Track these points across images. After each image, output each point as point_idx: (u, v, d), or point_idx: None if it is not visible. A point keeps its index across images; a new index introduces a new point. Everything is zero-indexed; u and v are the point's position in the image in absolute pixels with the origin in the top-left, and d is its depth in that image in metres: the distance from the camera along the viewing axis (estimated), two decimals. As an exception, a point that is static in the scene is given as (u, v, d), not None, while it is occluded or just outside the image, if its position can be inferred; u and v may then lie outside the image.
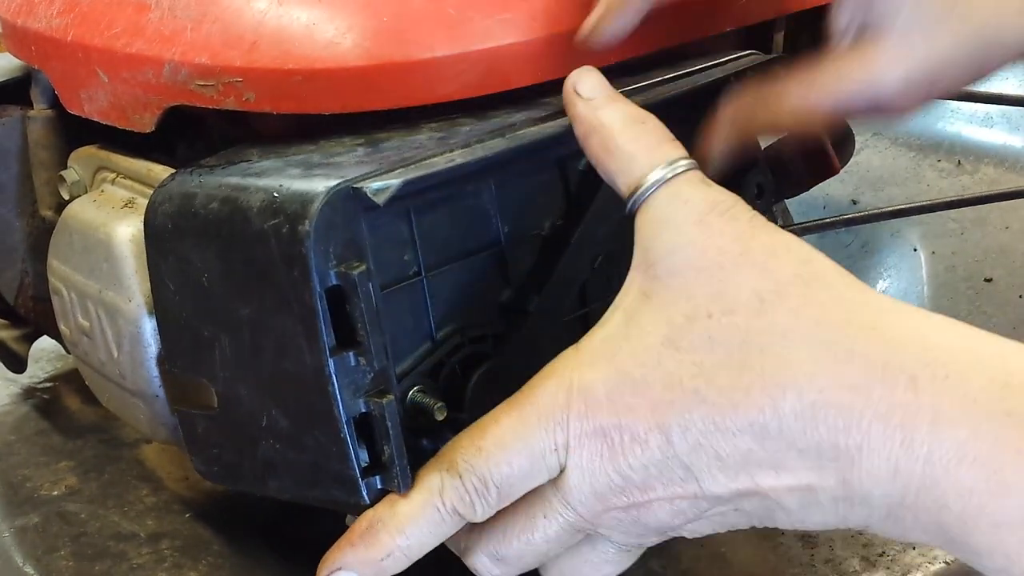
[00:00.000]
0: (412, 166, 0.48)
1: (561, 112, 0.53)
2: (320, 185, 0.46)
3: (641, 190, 0.45)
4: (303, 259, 0.45)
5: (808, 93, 0.53)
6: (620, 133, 0.47)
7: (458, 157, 0.49)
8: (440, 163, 0.48)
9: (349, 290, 0.46)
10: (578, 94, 0.48)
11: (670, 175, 0.45)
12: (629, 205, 0.46)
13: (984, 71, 0.53)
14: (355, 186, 0.46)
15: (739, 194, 0.46)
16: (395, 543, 0.45)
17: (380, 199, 0.45)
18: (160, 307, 0.53)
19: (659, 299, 0.44)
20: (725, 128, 0.55)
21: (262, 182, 0.48)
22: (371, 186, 0.46)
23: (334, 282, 0.46)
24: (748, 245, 0.43)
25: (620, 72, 0.55)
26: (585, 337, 0.45)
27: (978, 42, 0.51)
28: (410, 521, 0.46)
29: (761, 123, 0.56)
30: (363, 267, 0.46)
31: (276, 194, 0.46)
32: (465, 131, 0.52)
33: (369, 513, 0.47)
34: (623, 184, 0.46)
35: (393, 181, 0.46)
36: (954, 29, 0.51)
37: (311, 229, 0.45)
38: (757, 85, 0.55)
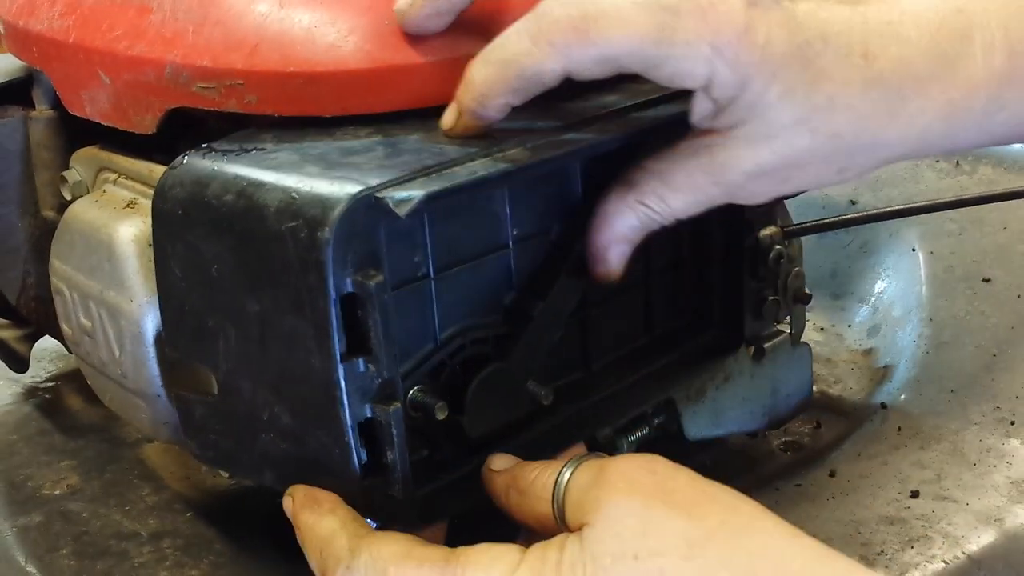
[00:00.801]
0: (434, 176, 0.46)
1: (577, 122, 0.52)
2: (341, 190, 0.45)
3: (560, 486, 0.47)
4: (320, 265, 0.44)
5: (662, 189, 0.52)
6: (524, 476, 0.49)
7: (480, 168, 0.47)
8: (462, 174, 0.47)
9: (365, 299, 0.45)
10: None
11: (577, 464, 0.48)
12: (555, 503, 0.47)
13: (852, 172, 0.53)
14: (377, 195, 0.45)
15: None
16: (307, 523, 0.48)
17: (402, 211, 0.44)
18: (164, 290, 0.52)
19: (587, 538, 0.44)
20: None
21: (280, 180, 0.47)
22: (394, 196, 0.44)
23: (350, 290, 0.45)
24: (672, 495, 0.45)
25: (571, 95, 0.54)
26: (523, 560, 0.45)
27: (838, 145, 0.51)
28: (318, 537, 0.48)
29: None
30: (380, 277, 0.45)
31: (295, 195, 0.46)
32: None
33: (322, 493, 0.48)
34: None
35: (416, 192, 0.44)
36: (810, 131, 0.50)
37: (331, 236, 0.44)
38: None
